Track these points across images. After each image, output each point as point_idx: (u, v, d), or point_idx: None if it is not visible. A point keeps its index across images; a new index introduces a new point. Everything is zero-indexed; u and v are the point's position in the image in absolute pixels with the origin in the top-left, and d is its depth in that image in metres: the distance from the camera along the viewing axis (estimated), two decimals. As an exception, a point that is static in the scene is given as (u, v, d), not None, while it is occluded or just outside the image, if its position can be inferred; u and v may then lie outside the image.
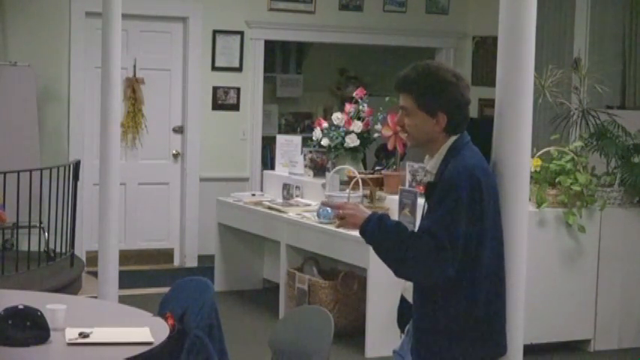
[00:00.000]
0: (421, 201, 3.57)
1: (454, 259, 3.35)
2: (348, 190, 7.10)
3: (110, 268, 6.18)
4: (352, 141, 7.60)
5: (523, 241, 3.58)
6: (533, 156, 6.60)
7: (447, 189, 3.40)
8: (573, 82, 7.68)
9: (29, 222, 7.84)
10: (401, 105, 3.56)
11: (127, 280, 7.61)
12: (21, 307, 3.82)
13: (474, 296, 3.43)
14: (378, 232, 3.47)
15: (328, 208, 7.05)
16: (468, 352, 3.46)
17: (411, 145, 3.64)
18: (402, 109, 3.57)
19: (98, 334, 3.86)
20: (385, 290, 6.30)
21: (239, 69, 9.76)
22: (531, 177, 6.46)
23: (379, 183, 7.31)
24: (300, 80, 11.88)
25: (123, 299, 5.89)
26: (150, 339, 3.85)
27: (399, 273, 3.49)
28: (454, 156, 3.48)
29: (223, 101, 9.74)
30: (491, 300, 3.47)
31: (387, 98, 7.41)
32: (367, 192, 7.19)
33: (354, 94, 7.84)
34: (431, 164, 3.58)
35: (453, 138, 3.53)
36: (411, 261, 3.38)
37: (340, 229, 6.87)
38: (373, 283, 6.56)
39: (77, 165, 8.17)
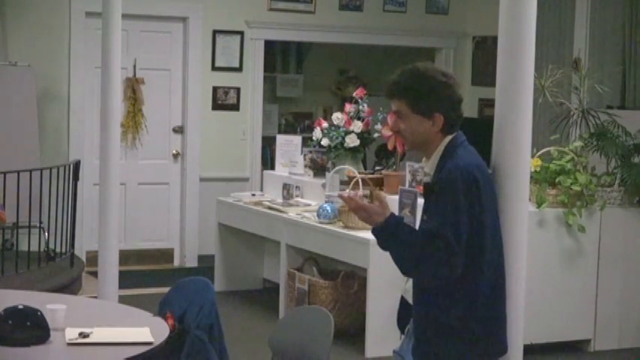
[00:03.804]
0: (421, 201, 3.58)
1: (462, 258, 3.36)
2: (348, 190, 7.10)
3: (110, 268, 6.18)
4: (352, 141, 7.60)
5: (523, 241, 3.58)
6: (533, 156, 6.60)
7: (444, 189, 3.41)
8: (573, 82, 7.68)
9: (29, 222, 7.84)
10: (395, 110, 3.57)
11: (127, 280, 7.61)
12: (21, 307, 3.82)
13: (474, 295, 3.44)
14: (391, 239, 3.44)
15: (328, 208, 7.06)
16: (469, 351, 3.47)
17: (409, 149, 3.66)
18: (396, 115, 3.57)
19: (98, 334, 3.86)
20: (385, 290, 6.31)
21: (239, 69, 9.76)
22: (531, 177, 6.46)
23: (379, 183, 7.31)
24: (300, 80, 11.88)
25: (123, 299, 5.89)
26: (150, 339, 3.85)
27: (408, 274, 3.50)
28: (450, 156, 3.49)
29: (223, 101, 9.74)
30: (492, 299, 3.47)
31: (387, 98, 7.40)
32: (367, 192, 7.18)
33: (354, 94, 7.84)
34: (429, 165, 3.58)
35: (449, 138, 3.54)
36: (422, 265, 3.39)
37: (342, 229, 6.91)
38: (373, 283, 6.56)
39: (77, 165, 8.17)
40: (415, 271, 3.44)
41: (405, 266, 3.44)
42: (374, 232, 3.48)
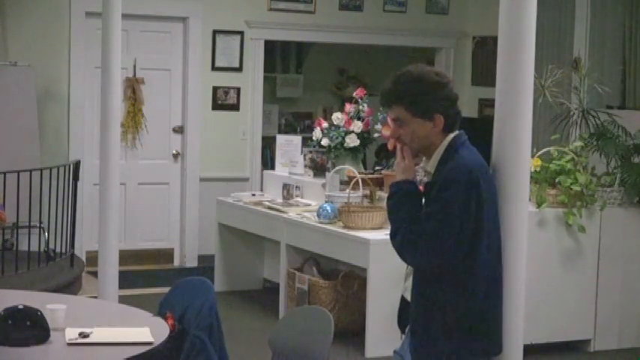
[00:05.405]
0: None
1: (439, 259, 3.40)
2: (348, 190, 7.10)
3: (110, 268, 6.18)
4: (352, 141, 7.61)
5: (523, 241, 3.58)
6: (533, 156, 6.60)
7: (445, 186, 3.42)
8: (573, 82, 7.68)
9: (29, 222, 7.84)
10: (393, 117, 3.56)
11: (127, 280, 7.62)
12: (21, 307, 3.82)
13: (471, 293, 3.45)
14: (395, 198, 3.54)
15: (328, 208, 7.05)
16: (464, 349, 3.47)
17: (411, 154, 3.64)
18: (395, 121, 3.56)
19: (98, 334, 3.86)
20: (385, 290, 6.31)
21: (239, 69, 9.76)
22: (531, 177, 6.46)
23: (379, 183, 7.31)
24: (300, 80, 11.89)
25: (123, 299, 5.89)
26: (150, 339, 3.86)
27: (393, 241, 3.56)
28: (452, 155, 3.49)
29: (223, 101, 9.74)
30: (488, 298, 3.48)
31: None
32: (367, 192, 7.19)
33: (354, 94, 7.85)
34: (429, 165, 3.58)
35: (450, 137, 3.54)
36: (400, 238, 3.47)
37: (342, 229, 6.91)
38: (373, 283, 6.56)
39: (77, 165, 8.17)
40: (394, 241, 3.51)
41: (391, 230, 3.53)
42: (390, 185, 3.61)
